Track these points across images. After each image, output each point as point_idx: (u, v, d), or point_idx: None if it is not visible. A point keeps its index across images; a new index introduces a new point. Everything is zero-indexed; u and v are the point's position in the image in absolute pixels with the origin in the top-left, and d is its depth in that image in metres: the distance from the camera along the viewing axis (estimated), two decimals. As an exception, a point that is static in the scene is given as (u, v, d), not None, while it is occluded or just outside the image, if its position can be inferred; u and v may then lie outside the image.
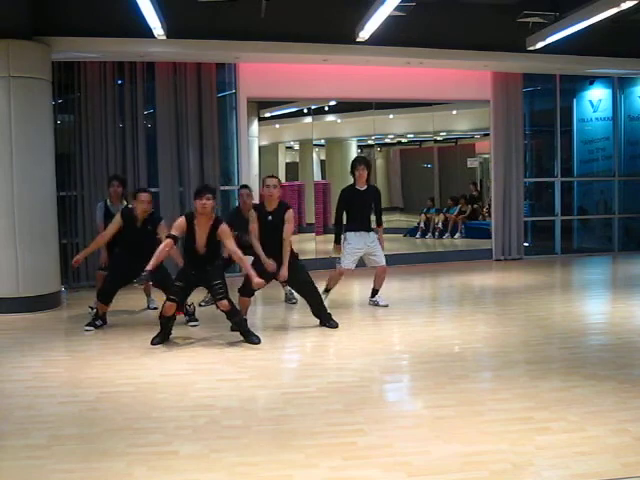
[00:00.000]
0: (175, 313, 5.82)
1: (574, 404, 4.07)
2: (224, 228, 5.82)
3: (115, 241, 6.64)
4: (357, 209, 7.12)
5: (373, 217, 7.32)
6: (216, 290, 5.74)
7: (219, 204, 8.94)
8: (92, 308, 6.61)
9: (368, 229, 7.15)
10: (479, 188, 13.09)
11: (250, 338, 5.73)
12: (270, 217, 6.22)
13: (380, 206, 7.36)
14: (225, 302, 5.70)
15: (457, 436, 3.61)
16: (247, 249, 6.35)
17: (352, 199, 7.12)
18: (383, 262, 7.20)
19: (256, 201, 7.56)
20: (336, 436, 3.66)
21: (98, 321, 6.44)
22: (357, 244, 7.07)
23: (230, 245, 5.82)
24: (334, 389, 4.50)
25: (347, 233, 7.15)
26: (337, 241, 7.18)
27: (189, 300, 6.50)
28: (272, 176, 6.46)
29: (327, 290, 7.24)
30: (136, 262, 6.06)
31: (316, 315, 6.43)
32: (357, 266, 7.28)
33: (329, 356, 5.59)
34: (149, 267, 5.64)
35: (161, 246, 5.78)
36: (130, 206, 6.62)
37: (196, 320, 6.51)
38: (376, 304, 7.33)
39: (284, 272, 6.13)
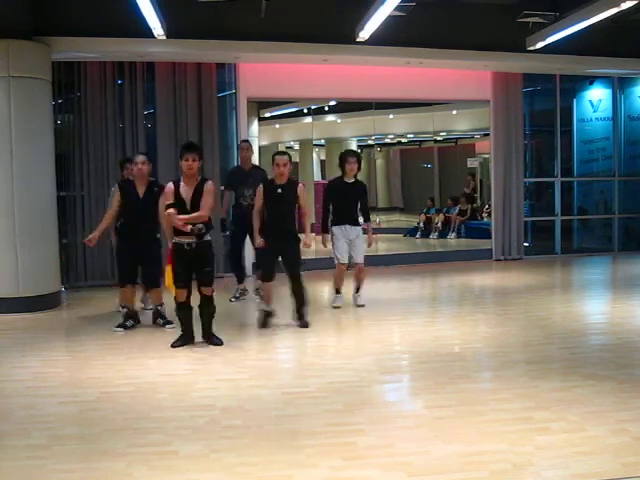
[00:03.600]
0: (188, 301, 5.72)
1: (574, 404, 4.07)
2: (209, 186, 5.68)
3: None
4: (343, 202, 7.13)
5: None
6: (206, 275, 5.73)
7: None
8: (122, 307, 6.42)
9: (352, 223, 7.15)
10: (479, 184, 13.08)
11: (212, 339, 5.73)
12: (280, 190, 6.29)
13: (366, 201, 7.37)
14: (210, 288, 5.74)
15: (457, 436, 3.61)
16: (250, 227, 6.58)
17: (339, 191, 7.14)
18: (359, 261, 7.20)
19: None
20: (336, 436, 3.66)
21: (129, 321, 6.34)
22: (341, 236, 7.11)
23: (206, 201, 5.60)
24: (334, 389, 4.50)
25: (332, 228, 7.20)
26: (325, 230, 7.28)
27: (162, 300, 6.50)
28: (282, 153, 6.50)
29: (338, 292, 7.30)
30: (139, 235, 6.19)
31: (296, 309, 6.45)
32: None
33: (329, 356, 5.58)
34: (187, 229, 5.48)
35: (166, 218, 5.65)
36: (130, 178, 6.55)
37: (171, 323, 6.35)
38: (354, 300, 7.33)
39: (308, 240, 6.41)
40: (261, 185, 6.42)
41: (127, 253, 6.39)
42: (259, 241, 6.29)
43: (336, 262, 7.20)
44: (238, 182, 7.59)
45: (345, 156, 7.14)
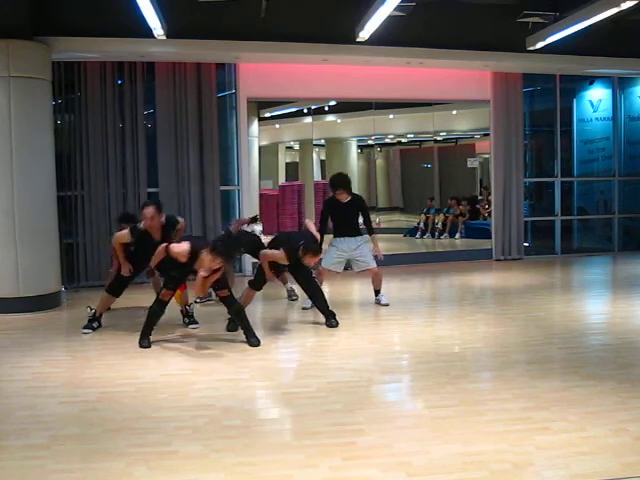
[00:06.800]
0: (167, 302, 5.84)
1: (574, 404, 4.07)
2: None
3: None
4: (340, 218, 7.28)
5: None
6: (216, 280, 5.73)
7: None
8: (91, 308, 6.56)
9: (353, 234, 7.25)
10: (479, 184, 13.04)
11: (250, 339, 5.71)
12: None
13: (367, 214, 7.47)
14: (225, 290, 5.79)
15: (457, 436, 3.61)
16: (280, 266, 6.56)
17: (334, 209, 7.29)
18: (372, 265, 7.25)
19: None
20: (336, 436, 3.66)
21: (95, 323, 6.39)
22: (340, 247, 7.23)
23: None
24: (334, 389, 4.49)
25: (333, 239, 7.33)
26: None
27: (188, 300, 6.52)
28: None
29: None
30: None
31: (321, 312, 6.50)
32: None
33: (329, 356, 5.57)
34: (151, 264, 5.86)
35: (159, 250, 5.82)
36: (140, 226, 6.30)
37: (196, 322, 6.47)
38: (379, 303, 7.41)
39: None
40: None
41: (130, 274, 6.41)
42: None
43: (320, 267, 7.27)
44: None
45: (333, 187, 7.20)
